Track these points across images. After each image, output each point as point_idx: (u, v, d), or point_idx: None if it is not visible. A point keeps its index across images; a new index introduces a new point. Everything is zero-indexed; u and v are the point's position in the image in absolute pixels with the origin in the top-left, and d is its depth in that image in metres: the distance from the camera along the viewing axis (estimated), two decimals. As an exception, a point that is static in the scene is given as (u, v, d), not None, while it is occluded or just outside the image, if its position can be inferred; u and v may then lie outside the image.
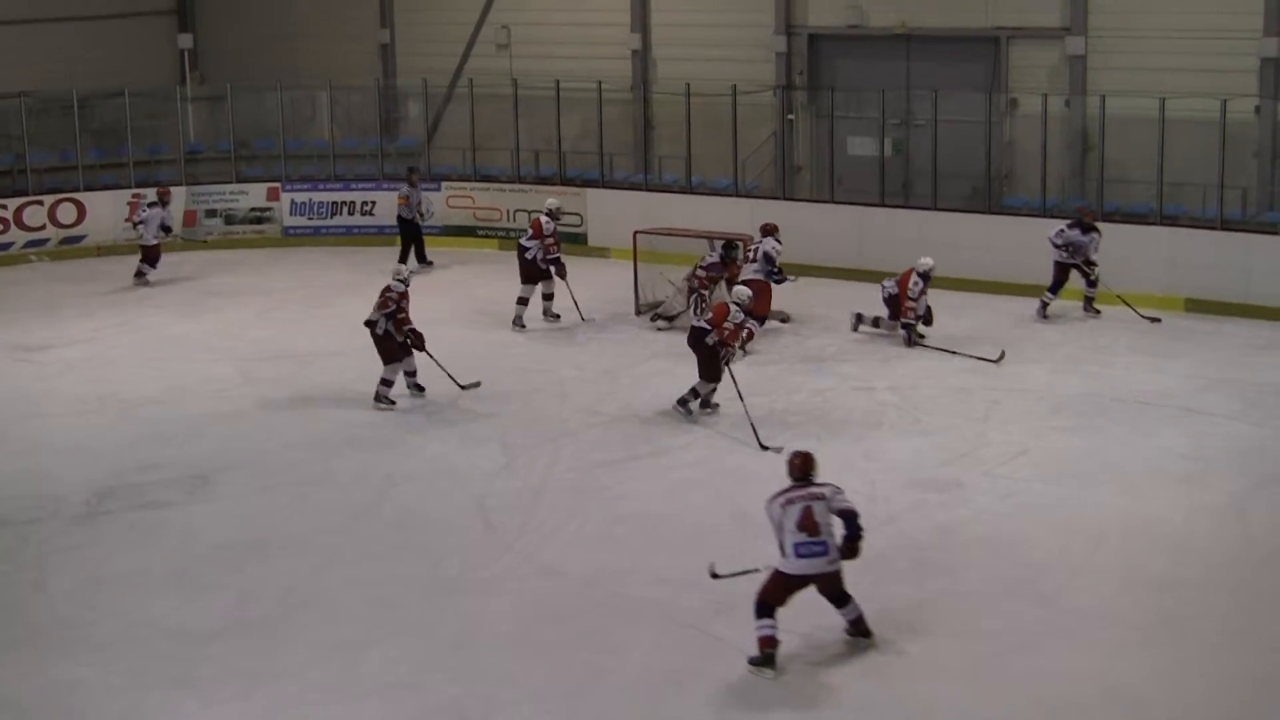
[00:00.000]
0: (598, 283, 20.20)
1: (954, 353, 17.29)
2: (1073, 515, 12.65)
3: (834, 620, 10.25)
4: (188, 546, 12.36)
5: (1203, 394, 15.79)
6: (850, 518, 10.03)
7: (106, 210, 23.95)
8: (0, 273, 22.85)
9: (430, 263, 22.69)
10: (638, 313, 19.40)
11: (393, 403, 15.77)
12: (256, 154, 25.70)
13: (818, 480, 10.15)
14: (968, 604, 11.00)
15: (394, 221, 23.61)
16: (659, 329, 18.65)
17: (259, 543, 12.40)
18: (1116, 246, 18.75)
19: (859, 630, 10.21)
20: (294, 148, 25.39)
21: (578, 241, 22.93)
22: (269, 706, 9.78)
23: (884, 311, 18.11)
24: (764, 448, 14.19)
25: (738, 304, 15.33)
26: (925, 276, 17.65)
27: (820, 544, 9.92)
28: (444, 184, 24.40)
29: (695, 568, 11.44)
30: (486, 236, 24.23)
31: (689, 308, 18.24)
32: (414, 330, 15.73)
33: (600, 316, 19.31)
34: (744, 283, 17.81)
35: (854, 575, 10.26)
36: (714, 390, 15.21)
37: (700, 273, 18.38)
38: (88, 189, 24.16)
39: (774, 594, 9.95)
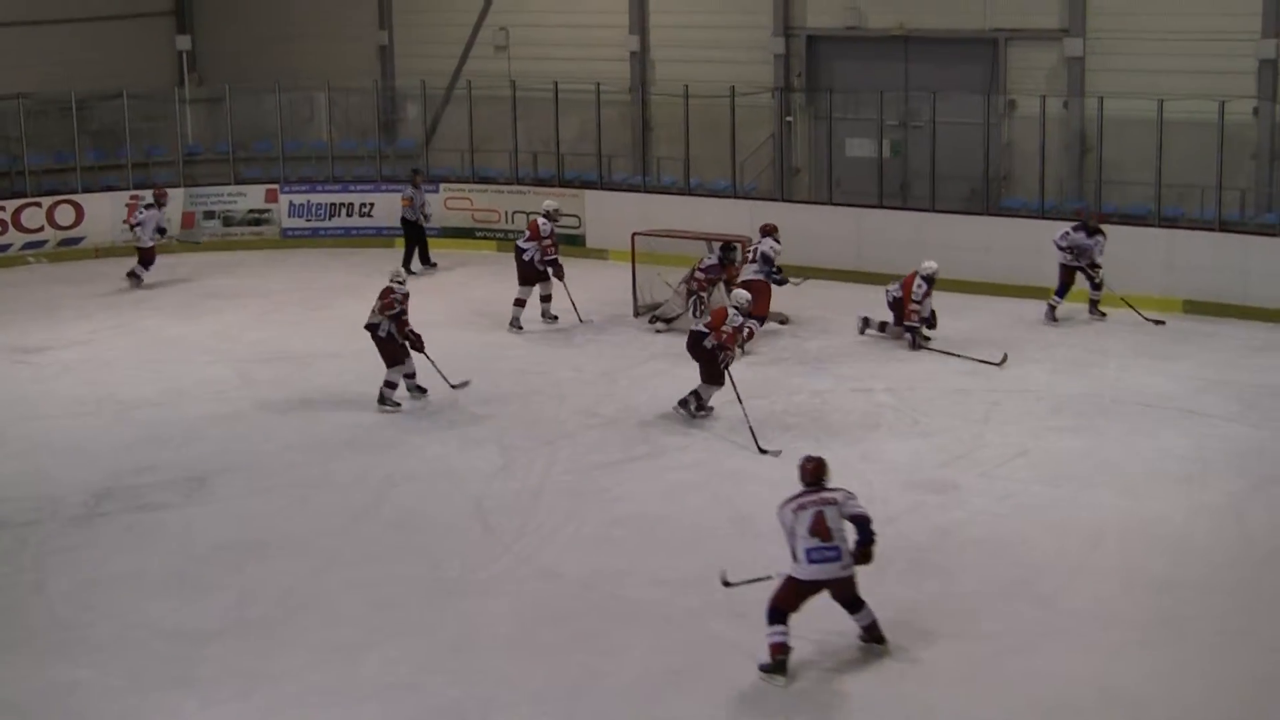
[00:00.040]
0: (596, 284, 20.21)
1: (958, 355, 17.29)
2: (1071, 516, 12.66)
3: (848, 625, 10.19)
4: (186, 548, 12.36)
5: (1201, 395, 15.80)
6: (863, 523, 9.98)
7: (104, 212, 23.94)
8: (-2, 274, 22.90)
9: (434, 264, 22.68)
10: (636, 314, 19.40)
11: (398, 404, 15.77)
12: (255, 156, 25.68)
13: (830, 485, 10.10)
14: (965, 605, 11.00)
15: (392, 223, 23.66)
16: (657, 331, 18.65)
17: (258, 544, 12.40)
18: (1114, 248, 18.73)
19: (873, 636, 10.16)
20: (292, 149, 25.38)
21: (576, 243, 22.93)
22: (268, 708, 9.78)
23: (889, 316, 18.09)
24: (763, 451, 14.19)
25: (736, 308, 15.31)
26: (929, 279, 17.64)
27: (833, 549, 9.88)
28: (442, 185, 24.39)
29: (693, 569, 11.49)
30: (485, 238, 24.23)
31: (688, 310, 18.25)
32: (413, 332, 15.75)
33: (598, 318, 19.31)
34: (744, 283, 17.89)
35: (852, 576, 10.27)
36: (714, 393, 15.17)
37: (699, 275, 18.39)
38: (86, 191, 24.15)
39: (787, 600, 9.90)
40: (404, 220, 22.73)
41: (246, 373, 17.41)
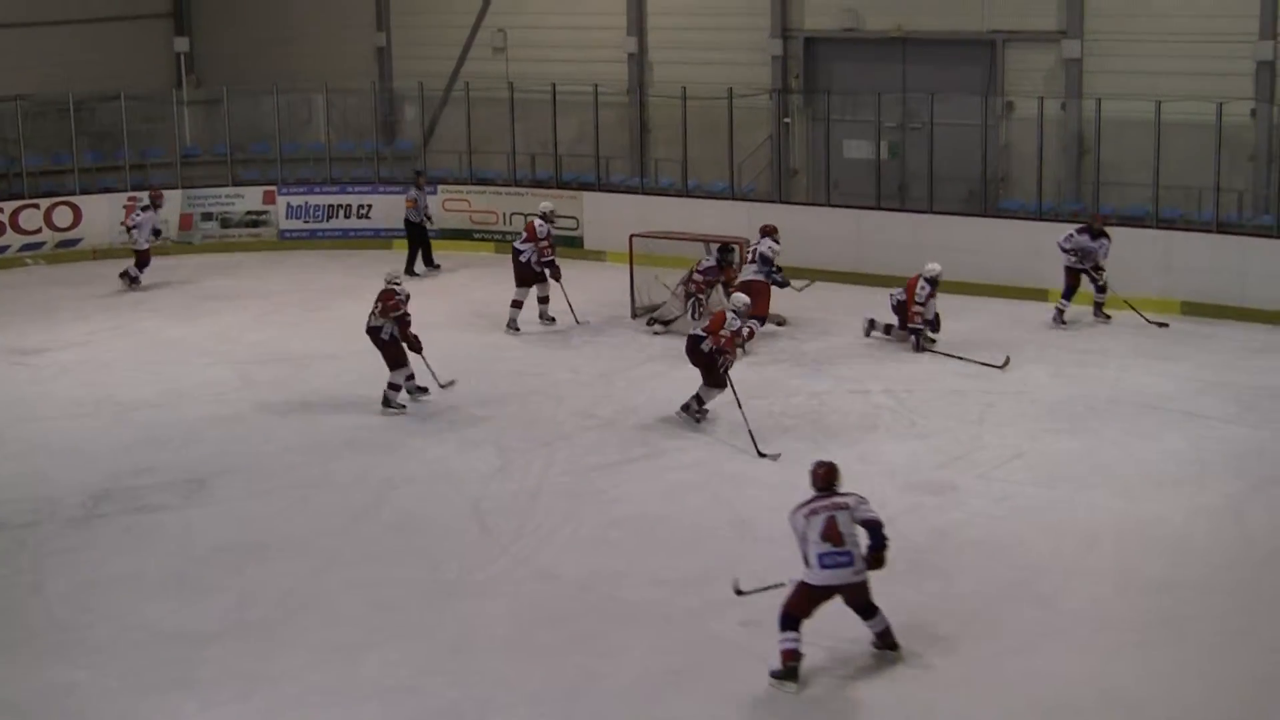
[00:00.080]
0: (594, 286, 20.21)
1: (961, 358, 17.27)
2: (1069, 518, 12.67)
3: (860, 632, 10.16)
4: (185, 549, 12.36)
5: (1199, 397, 15.80)
6: (875, 528, 9.92)
7: (102, 214, 23.92)
8: (-4, 276, 22.90)
9: (437, 266, 22.68)
10: (634, 316, 19.40)
11: (403, 406, 15.77)
12: (252, 157, 25.70)
13: (841, 490, 10.05)
14: (964, 606, 11.00)
15: (390, 225, 23.69)
16: (655, 333, 18.64)
17: (257, 545, 12.40)
18: (1113, 249, 18.72)
19: (886, 643, 10.11)
20: (290, 151, 25.37)
21: (574, 245, 22.93)
22: (267, 709, 9.78)
23: (894, 320, 18.07)
24: (762, 455, 14.18)
25: (735, 312, 15.28)
26: (933, 282, 17.62)
27: (845, 554, 9.82)
28: (440, 187, 24.38)
29: (692, 570, 11.50)
30: (482, 239, 24.23)
31: (686, 311, 18.25)
32: (414, 334, 15.76)
33: (596, 320, 19.31)
34: (743, 284, 17.89)
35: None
36: (716, 396, 15.13)
37: (697, 276, 18.40)
38: (83, 192, 24.16)
39: (799, 606, 9.85)
40: (407, 222, 22.70)
41: (245, 374, 17.41)
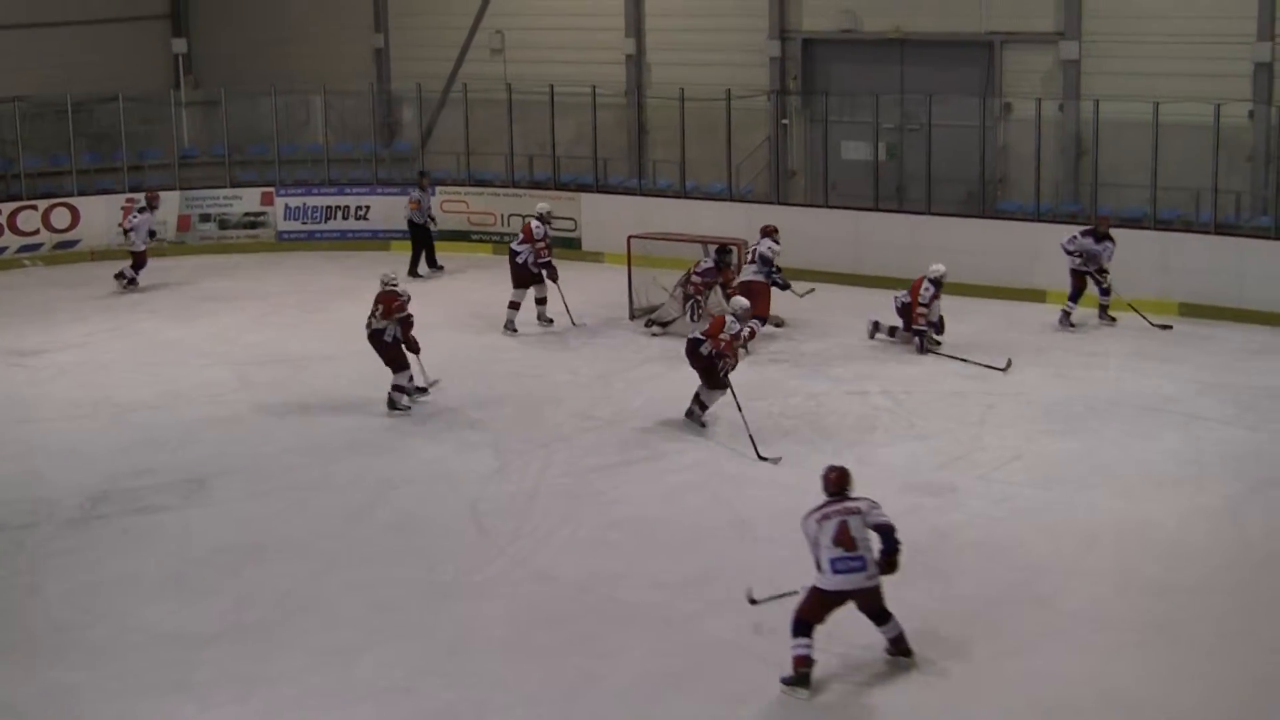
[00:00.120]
0: (592, 288, 20.21)
1: (964, 360, 17.24)
2: (1068, 519, 12.67)
3: (874, 638, 10.13)
4: (183, 551, 12.35)
5: (1197, 398, 15.80)
6: (887, 532, 9.87)
7: (100, 215, 23.91)
8: (-6, 277, 22.88)
9: (441, 267, 22.66)
10: (632, 317, 19.39)
11: (408, 408, 15.76)
12: (250, 159, 25.72)
13: (853, 494, 10.01)
14: (962, 608, 11.00)
15: (388, 226, 23.73)
16: (653, 334, 18.64)
17: (255, 547, 12.39)
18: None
19: (899, 649, 10.06)
20: (288, 152, 25.37)
21: (572, 246, 22.93)
22: (265, 711, 9.78)
23: (898, 321, 18.04)
24: (761, 458, 14.17)
25: (734, 315, 15.25)
26: (937, 283, 17.58)
27: (858, 559, 9.77)
28: (438, 188, 24.36)
29: (691, 571, 11.50)
30: (480, 241, 24.23)
31: (684, 313, 18.24)
32: (413, 335, 15.76)
33: (594, 321, 19.30)
34: (743, 284, 17.88)
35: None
36: (717, 399, 15.10)
37: (695, 278, 18.39)
38: (81, 194, 24.15)
39: (812, 612, 9.81)
40: (410, 223, 22.67)
41: (243, 375, 17.40)
